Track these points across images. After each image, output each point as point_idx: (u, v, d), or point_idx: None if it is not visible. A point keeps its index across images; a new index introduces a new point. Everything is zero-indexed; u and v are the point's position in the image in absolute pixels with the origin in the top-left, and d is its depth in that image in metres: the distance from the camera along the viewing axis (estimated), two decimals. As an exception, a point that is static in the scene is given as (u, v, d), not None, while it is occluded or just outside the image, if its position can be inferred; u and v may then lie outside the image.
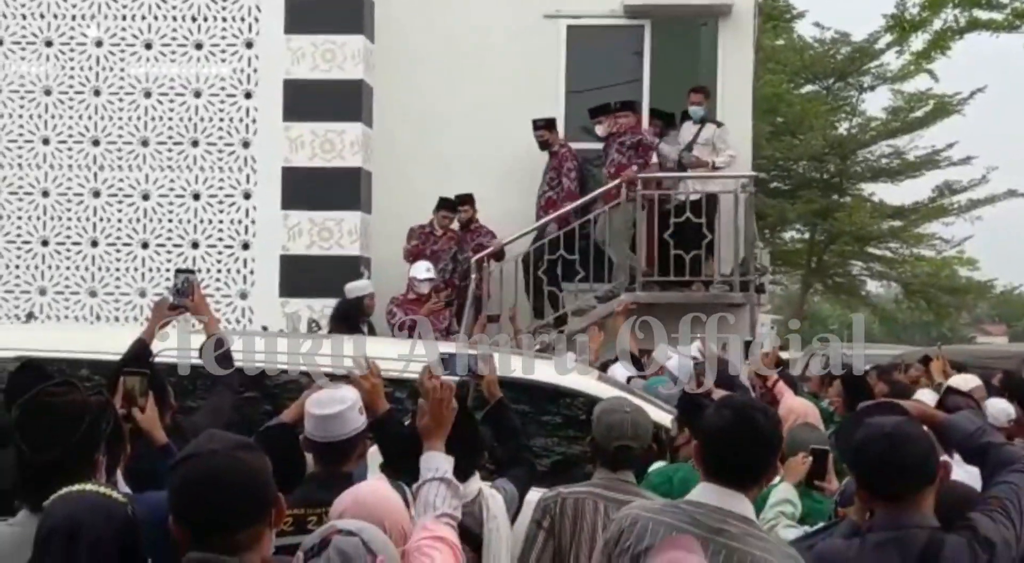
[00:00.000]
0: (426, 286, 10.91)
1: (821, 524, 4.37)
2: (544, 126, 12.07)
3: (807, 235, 33.63)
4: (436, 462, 3.60)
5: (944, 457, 3.63)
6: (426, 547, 3.10)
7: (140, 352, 5.09)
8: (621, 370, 9.13)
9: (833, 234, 31.61)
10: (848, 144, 31.60)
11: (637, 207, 11.61)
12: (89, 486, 2.96)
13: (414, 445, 3.78)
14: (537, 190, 12.06)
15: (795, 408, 6.62)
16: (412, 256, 11.53)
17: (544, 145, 12.09)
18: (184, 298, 5.28)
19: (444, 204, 11.73)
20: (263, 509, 2.71)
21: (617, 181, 11.63)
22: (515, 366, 6.51)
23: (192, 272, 5.49)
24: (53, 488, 3.04)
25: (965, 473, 4.14)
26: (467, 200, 11.84)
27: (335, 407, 4.34)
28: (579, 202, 11.75)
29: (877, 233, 32.08)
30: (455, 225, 11.91)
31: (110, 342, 6.51)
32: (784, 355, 22.63)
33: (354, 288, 10.79)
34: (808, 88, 32.48)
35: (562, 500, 4.44)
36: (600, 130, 12.05)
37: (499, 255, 11.68)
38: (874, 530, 3.47)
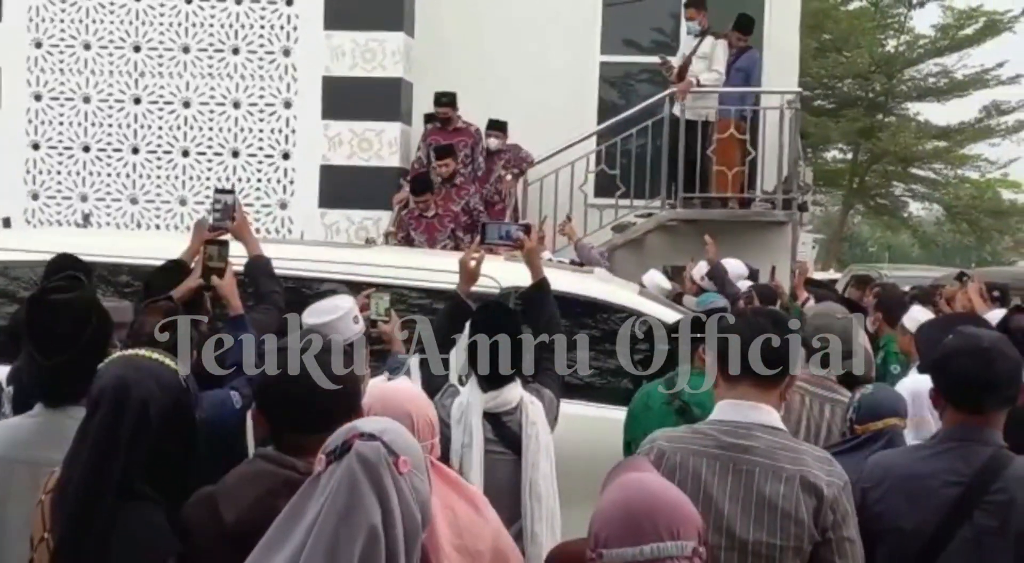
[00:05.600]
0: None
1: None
2: (448, 103, 11.53)
3: (850, 155, 33.35)
4: None
5: None
6: None
7: (179, 271, 5.07)
8: (655, 276, 9.28)
9: (876, 154, 31.30)
10: (895, 62, 31.14)
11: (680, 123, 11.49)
12: (142, 351, 2.97)
13: None
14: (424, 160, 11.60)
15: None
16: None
17: (446, 121, 11.56)
18: (224, 219, 5.12)
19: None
20: (348, 417, 2.67)
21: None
22: (553, 279, 6.48)
23: (232, 192, 5.32)
24: (65, 386, 3.08)
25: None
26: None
27: (327, 316, 4.37)
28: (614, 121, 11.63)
29: (921, 154, 31.75)
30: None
31: (150, 248, 6.56)
32: (823, 275, 22.61)
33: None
34: (855, 4, 31.93)
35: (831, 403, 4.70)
36: (493, 145, 11.53)
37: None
38: (943, 439, 3.50)
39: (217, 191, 5.33)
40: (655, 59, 12.12)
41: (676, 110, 11.50)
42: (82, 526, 2.72)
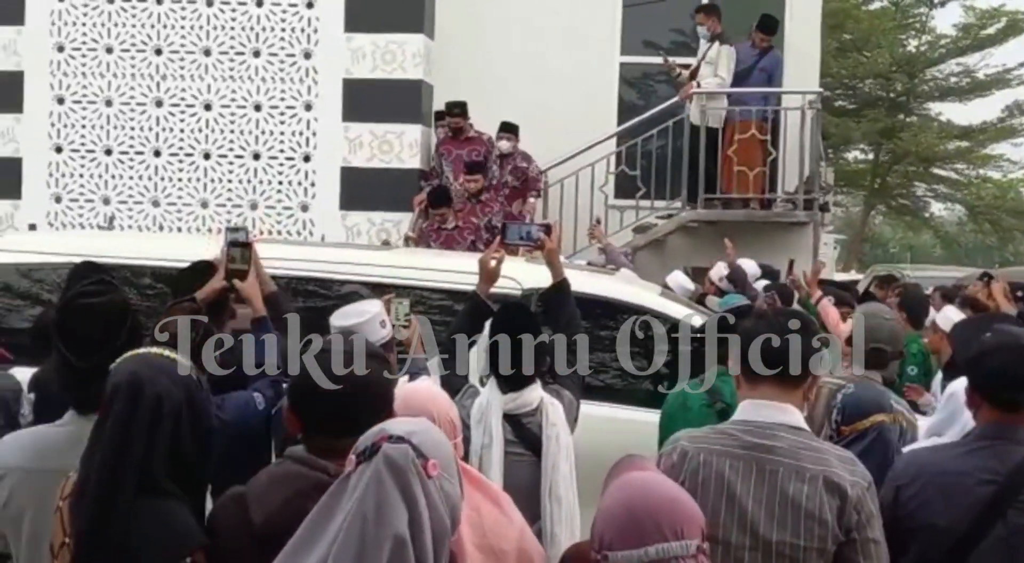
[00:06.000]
0: None
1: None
2: (460, 113, 11.44)
3: (871, 155, 33.26)
4: None
5: None
6: None
7: (207, 272, 5.00)
8: (679, 277, 9.29)
9: (898, 154, 31.22)
10: (916, 62, 31.05)
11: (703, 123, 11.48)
12: (153, 349, 2.99)
13: None
14: (447, 173, 11.56)
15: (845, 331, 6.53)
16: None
17: (458, 131, 11.49)
18: (242, 264, 4.68)
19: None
20: (375, 420, 2.68)
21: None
22: (576, 280, 6.48)
23: (244, 229, 4.86)
24: (97, 389, 3.06)
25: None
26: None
27: (354, 319, 4.36)
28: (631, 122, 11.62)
29: (943, 154, 31.64)
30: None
31: (173, 250, 6.59)
32: (844, 276, 22.56)
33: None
34: (876, 4, 31.84)
35: (817, 387, 4.68)
36: (505, 147, 11.38)
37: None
38: (977, 437, 3.48)
39: (228, 229, 4.88)
40: (676, 60, 12.10)
41: (694, 118, 11.50)
42: (101, 523, 2.72)
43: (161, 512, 2.76)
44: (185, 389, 2.86)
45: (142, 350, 2.99)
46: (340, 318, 4.43)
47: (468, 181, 10.71)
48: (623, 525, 2.43)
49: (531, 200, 11.31)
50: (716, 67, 11.58)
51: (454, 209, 10.45)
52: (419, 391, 3.35)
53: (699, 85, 11.53)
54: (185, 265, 5.13)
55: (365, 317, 4.40)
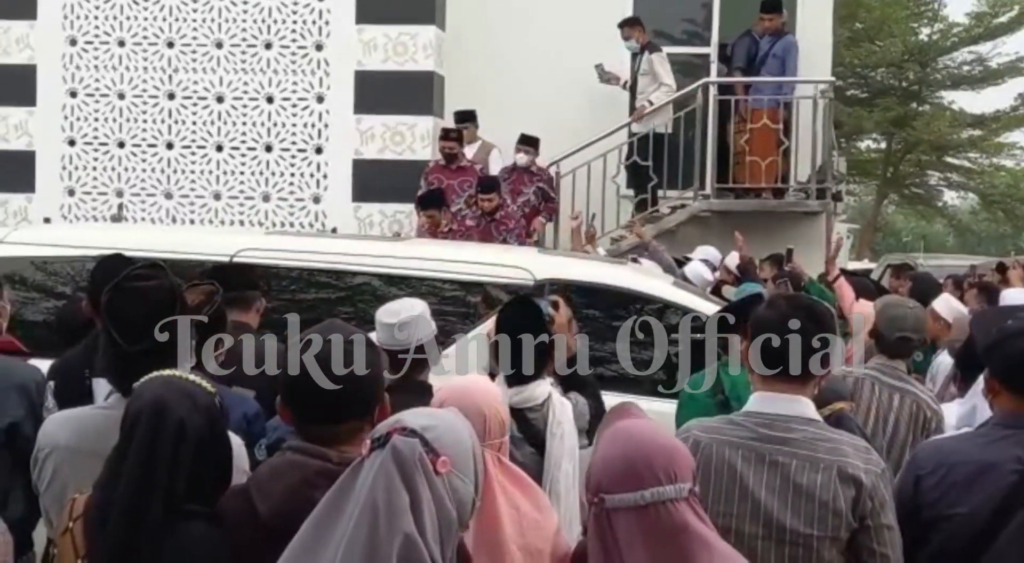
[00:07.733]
0: None
1: None
2: (456, 138, 10.84)
3: (883, 144, 33.16)
4: None
5: None
6: None
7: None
8: (698, 267, 9.32)
9: (910, 143, 31.13)
10: (929, 51, 30.95)
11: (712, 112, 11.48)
12: (178, 372, 2.95)
13: None
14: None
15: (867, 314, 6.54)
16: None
17: (451, 158, 10.82)
18: None
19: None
20: (368, 405, 2.73)
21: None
22: (590, 271, 6.49)
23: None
24: (143, 372, 3.02)
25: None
26: (493, 187, 10.29)
27: (404, 315, 4.33)
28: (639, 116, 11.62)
29: (956, 142, 31.56)
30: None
31: (186, 243, 6.62)
32: (857, 265, 22.52)
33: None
34: (888, -8, 31.72)
35: (843, 377, 4.81)
36: (521, 160, 11.00)
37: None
38: (998, 424, 3.45)
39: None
40: (689, 50, 12.09)
41: (636, 128, 11.57)
42: (130, 547, 2.69)
43: (189, 535, 2.72)
44: (208, 414, 2.82)
45: (167, 372, 2.95)
46: (390, 315, 4.36)
47: (484, 200, 10.17)
48: (620, 472, 2.45)
49: (541, 220, 11.05)
50: (655, 77, 11.57)
51: (450, 211, 10.29)
52: (475, 386, 3.29)
53: (651, 103, 11.56)
54: (199, 258, 5.15)
55: (416, 312, 4.34)
